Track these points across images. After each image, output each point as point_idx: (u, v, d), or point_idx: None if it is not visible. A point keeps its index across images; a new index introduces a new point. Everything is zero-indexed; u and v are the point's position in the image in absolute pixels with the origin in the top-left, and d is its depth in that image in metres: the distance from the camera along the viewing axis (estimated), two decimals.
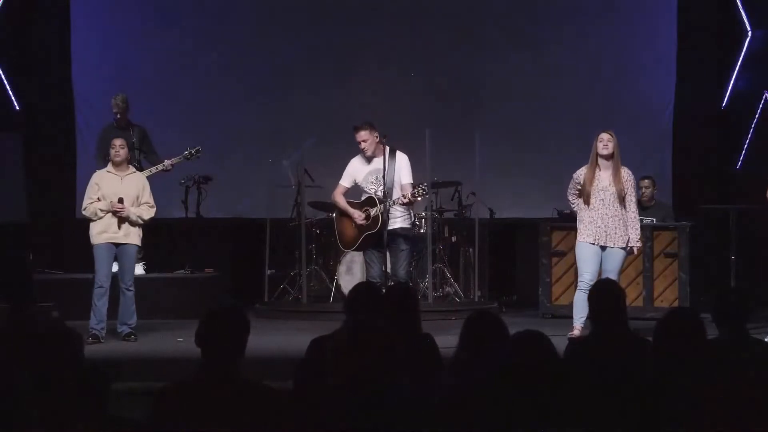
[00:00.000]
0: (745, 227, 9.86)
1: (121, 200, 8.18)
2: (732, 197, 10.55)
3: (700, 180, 11.10)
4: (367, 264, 8.44)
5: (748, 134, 10.75)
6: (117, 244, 8.23)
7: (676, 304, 9.37)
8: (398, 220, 8.27)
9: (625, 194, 7.96)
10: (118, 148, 8.34)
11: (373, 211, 8.21)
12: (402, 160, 8.28)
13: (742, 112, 10.93)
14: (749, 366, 4.12)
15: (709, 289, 9.44)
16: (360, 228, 8.31)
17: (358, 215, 8.27)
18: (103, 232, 8.19)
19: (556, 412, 3.29)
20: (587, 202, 7.99)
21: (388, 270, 8.25)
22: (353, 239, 8.42)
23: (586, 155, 8.17)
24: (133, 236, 8.26)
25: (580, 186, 8.03)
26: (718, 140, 11.22)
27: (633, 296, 9.41)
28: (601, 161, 7.99)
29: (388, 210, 8.15)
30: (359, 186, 8.43)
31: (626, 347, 4.51)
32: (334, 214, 8.84)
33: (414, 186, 8.20)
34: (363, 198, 8.40)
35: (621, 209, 7.96)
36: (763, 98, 10.74)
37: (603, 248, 7.99)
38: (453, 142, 10.68)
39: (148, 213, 8.32)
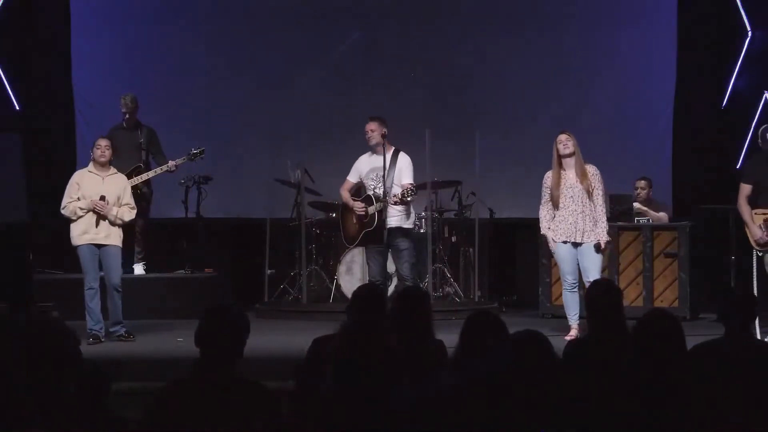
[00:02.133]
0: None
1: (103, 198, 8.12)
2: (732, 197, 10.54)
3: (700, 180, 11.09)
4: (368, 264, 8.59)
5: (748, 134, 10.74)
6: (99, 246, 8.16)
7: (676, 304, 9.39)
8: (395, 218, 8.35)
9: (593, 190, 8.00)
10: (104, 148, 8.26)
11: (371, 209, 8.36)
12: (404, 161, 8.42)
13: (742, 112, 10.92)
14: (752, 366, 4.12)
15: (708, 289, 9.46)
16: (360, 224, 8.45)
17: (359, 205, 8.43)
18: (84, 233, 8.13)
19: (556, 412, 3.29)
20: (557, 205, 8.02)
21: (389, 269, 8.32)
22: (354, 235, 8.58)
23: (586, 155, 8.17)
24: (114, 237, 8.19)
25: (549, 190, 8.06)
26: (718, 140, 11.22)
27: (633, 296, 9.42)
28: (564, 161, 8.06)
29: (385, 208, 8.23)
30: (362, 182, 8.58)
31: (624, 347, 4.50)
32: (333, 214, 8.86)
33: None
34: (363, 196, 8.55)
35: (590, 205, 8.02)
36: (763, 98, 10.74)
37: (576, 245, 8.02)
38: (453, 142, 10.69)
39: (128, 214, 8.27)
